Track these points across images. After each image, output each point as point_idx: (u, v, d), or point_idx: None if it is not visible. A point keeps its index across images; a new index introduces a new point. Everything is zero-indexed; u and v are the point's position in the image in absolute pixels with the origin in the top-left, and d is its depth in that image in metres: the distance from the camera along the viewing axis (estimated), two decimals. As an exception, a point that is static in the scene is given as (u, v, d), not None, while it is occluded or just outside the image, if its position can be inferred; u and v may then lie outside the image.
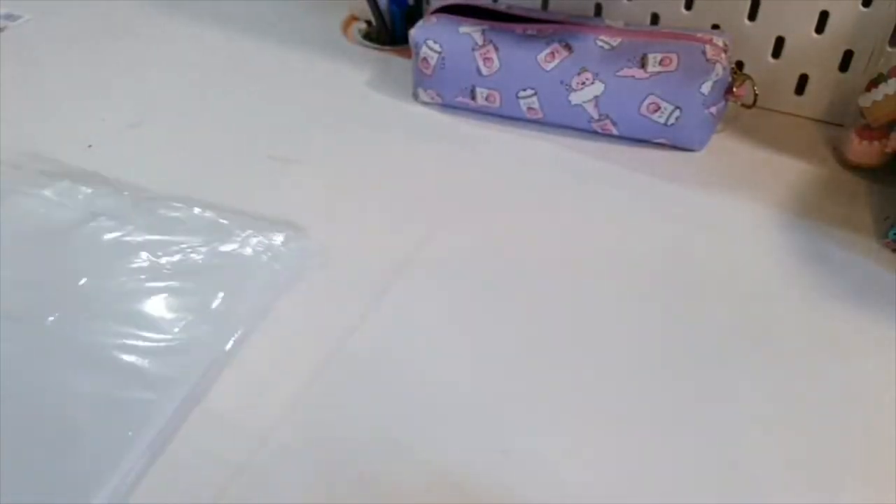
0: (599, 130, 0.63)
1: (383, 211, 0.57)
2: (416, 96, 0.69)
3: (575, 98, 0.61)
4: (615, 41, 0.60)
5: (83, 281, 0.48)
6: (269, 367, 0.45)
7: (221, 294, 0.48)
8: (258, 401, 0.43)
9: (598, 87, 0.60)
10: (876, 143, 0.58)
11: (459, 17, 0.64)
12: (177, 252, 0.51)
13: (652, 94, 0.59)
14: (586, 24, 0.62)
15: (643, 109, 0.60)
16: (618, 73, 0.59)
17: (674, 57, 0.58)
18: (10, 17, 0.83)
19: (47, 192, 0.55)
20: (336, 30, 0.81)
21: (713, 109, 0.60)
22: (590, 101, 0.61)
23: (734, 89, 0.60)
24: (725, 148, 0.63)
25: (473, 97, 0.65)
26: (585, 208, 0.57)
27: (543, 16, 0.64)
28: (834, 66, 0.63)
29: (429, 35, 0.64)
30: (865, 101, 0.57)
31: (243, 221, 0.53)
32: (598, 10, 0.69)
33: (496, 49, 0.62)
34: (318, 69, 0.74)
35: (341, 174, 0.61)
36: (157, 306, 0.47)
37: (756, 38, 0.64)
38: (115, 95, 0.70)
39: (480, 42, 0.63)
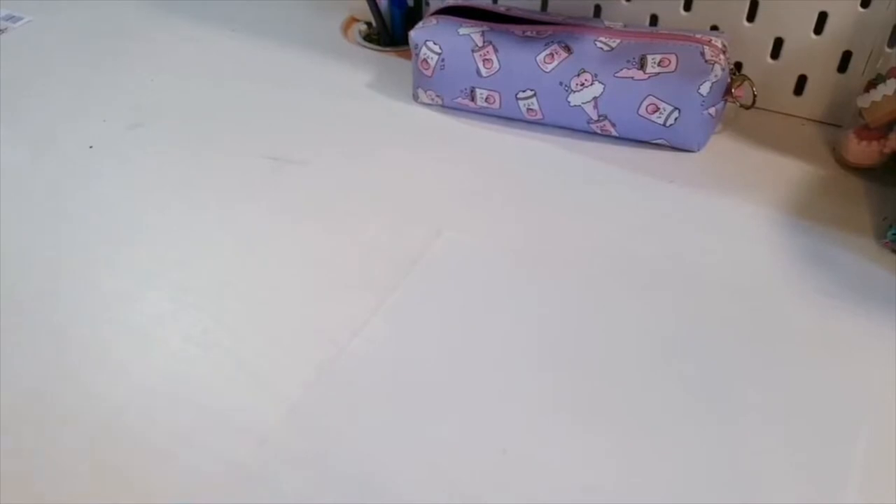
0: (598, 131, 0.64)
1: (384, 211, 0.57)
2: (416, 97, 0.69)
3: (574, 99, 0.61)
4: (614, 42, 0.60)
5: None
6: (270, 366, 0.45)
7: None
8: (258, 401, 0.43)
9: (597, 88, 0.60)
10: (874, 143, 0.58)
11: (459, 19, 0.64)
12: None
13: (651, 94, 0.59)
14: (585, 25, 0.62)
15: (642, 110, 0.60)
16: (617, 74, 0.60)
17: (672, 58, 0.58)
18: (11, 18, 0.83)
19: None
20: (336, 31, 0.82)
21: (712, 110, 0.60)
22: (589, 101, 0.61)
23: (733, 90, 0.60)
24: (724, 149, 0.63)
25: (473, 98, 0.65)
26: (584, 209, 0.57)
27: (543, 17, 0.64)
28: (833, 67, 0.63)
29: (428, 36, 0.64)
30: (864, 101, 0.57)
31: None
32: (598, 11, 0.69)
33: (496, 50, 0.62)
34: (318, 70, 0.75)
35: (341, 175, 0.61)
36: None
37: (755, 39, 0.64)
38: (115, 96, 0.70)
39: (480, 43, 0.63)
